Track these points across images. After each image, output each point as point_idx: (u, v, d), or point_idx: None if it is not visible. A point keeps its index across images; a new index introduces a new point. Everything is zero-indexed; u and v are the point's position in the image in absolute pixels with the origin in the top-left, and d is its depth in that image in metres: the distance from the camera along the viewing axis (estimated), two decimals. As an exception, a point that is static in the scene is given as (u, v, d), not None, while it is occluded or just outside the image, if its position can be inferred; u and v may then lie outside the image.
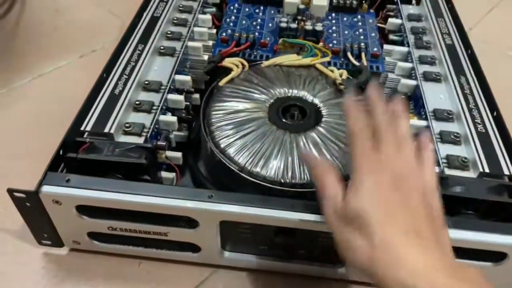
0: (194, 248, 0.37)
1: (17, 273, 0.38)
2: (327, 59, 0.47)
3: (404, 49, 0.50)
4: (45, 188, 0.32)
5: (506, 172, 0.36)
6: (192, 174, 0.44)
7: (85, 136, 0.37)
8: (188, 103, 0.44)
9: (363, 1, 0.57)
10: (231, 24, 0.54)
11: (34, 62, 0.59)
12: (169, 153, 0.41)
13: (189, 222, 0.34)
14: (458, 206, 0.35)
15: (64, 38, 0.64)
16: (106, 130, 0.37)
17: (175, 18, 0.51)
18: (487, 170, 0.36)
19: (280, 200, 0.33)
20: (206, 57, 0.48)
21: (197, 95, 0.47)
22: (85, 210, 0.34)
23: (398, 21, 0.54)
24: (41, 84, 0.56)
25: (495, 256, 0.33)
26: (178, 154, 0.42)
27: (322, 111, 0.42)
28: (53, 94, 0.54)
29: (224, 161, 0.38)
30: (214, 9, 0.56)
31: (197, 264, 0.38)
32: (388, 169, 0.27)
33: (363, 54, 0.48)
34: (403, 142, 0.29)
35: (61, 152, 0.36)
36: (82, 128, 0.37)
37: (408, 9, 0.56)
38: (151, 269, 0.38)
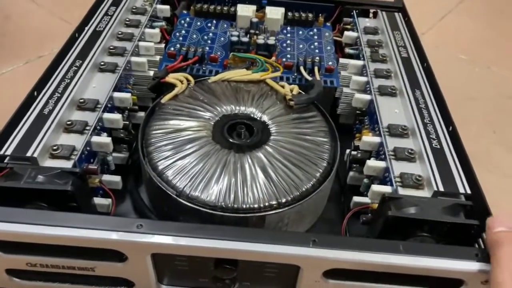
0: (128, 284, 0.33)
1: None
2: (277, 73, 0.45)
3: (360, 62, 0.48)
4: None
5: (461, 190, 0.34)
6: (133, 200, 0.40)
7: (6, 161, 0.34)
8: (127, 122, 0.40)
9: (320, 15, 0.56)
10: (181, 38, 0.51)
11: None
12: (106, 177, 0.38)
13: (117, 254, 0.31)
14: (412, 228, 0.32)
15: (11, 45, 0.61)
16: (29, 154, 0.33)
17: (119, 33, 0.48)
18: (441, 189, 0.34)
19: (219, 228, 0.30)
20: (152, 73, 0.45)
21: (141, 114, 0.44)
22: (-1, 245, 0.30)
23: (354, 34, 0.53)
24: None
25: (451, 283, 0.30)
26: (117, 178, 0.39)
27: (271, 129, 0.39)
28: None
29: (161, 186, 0.34)
30: (163, 23, 0.53)
31: (133, 300, 0.35)
32: None
33: (316, 69, 0.46)
34: None
35: (-26, 180, 0.32)
36: (1, 152, 0.34)
37: (365, 22, 0.55)
38: (81, 308, 0.34)
